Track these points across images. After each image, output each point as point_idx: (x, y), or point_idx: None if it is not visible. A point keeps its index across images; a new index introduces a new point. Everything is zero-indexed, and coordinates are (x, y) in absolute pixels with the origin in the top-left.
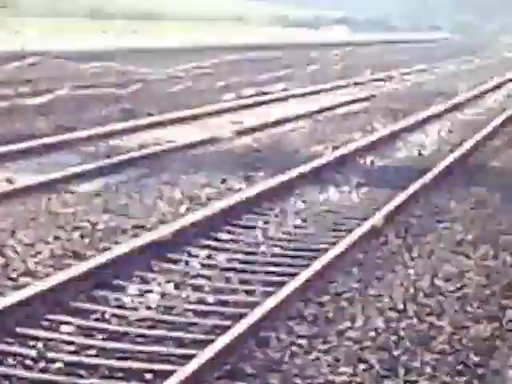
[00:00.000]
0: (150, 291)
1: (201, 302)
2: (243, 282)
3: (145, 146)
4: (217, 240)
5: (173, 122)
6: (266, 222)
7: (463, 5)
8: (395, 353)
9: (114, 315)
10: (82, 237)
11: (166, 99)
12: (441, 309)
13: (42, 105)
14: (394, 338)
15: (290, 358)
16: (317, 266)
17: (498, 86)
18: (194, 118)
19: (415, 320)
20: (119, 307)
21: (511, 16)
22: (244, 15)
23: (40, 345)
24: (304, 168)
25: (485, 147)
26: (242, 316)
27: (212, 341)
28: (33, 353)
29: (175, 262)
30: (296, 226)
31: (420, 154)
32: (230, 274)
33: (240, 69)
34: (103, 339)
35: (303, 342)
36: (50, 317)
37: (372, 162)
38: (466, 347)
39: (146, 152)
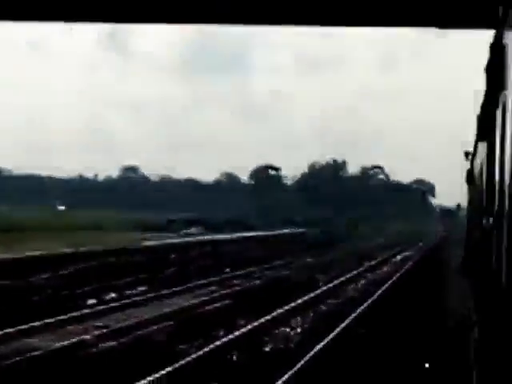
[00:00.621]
0: None
1: None
2: None
3: (8, 356)
4: None
5: (36, 330)
6: None
7: (317, 200)
8: None
9: None
10: None
11: (27, 308)
12: None
13: None
14: None
15: None
16: None
17: (355, 277)
18: (58, 325)
19: None
20: None
21: (366, 209)
22: (103, 223)
23: None
24: (171, 367)
25: (350, 336)
26: None
27: None
28: None
29: None
30: None
31: (286, 347)
32: None
33: (101, 274)
34: None
35: None
36: None
37: (238, 357)
38: None
39: (8, 362)
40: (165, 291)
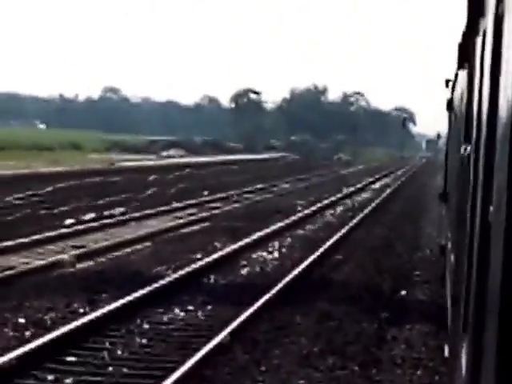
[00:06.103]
0: None
1: None
2: None
3: None
4: (64, 363)
5: (13, 249)
6: (113, 344)
7: (297, 125)
8: None
9: None
10: None
11: (4, 227)
12: None
13: None
14: None
15: None
16: None
17: (334, 203)
18: (35, 244)
19: None
20: None
21: (344, 135)
22: (80, 143)
23: None
24: (147, 289)
25: (327, 261)
26: None
27: None
28: None
29: None
30: (143, 346)
31: (262, 271)
32: None
33: (79, 194)
34: None
35: None
36: None
37: (215, 280)
38: None
39: None
40: (143, 212)
